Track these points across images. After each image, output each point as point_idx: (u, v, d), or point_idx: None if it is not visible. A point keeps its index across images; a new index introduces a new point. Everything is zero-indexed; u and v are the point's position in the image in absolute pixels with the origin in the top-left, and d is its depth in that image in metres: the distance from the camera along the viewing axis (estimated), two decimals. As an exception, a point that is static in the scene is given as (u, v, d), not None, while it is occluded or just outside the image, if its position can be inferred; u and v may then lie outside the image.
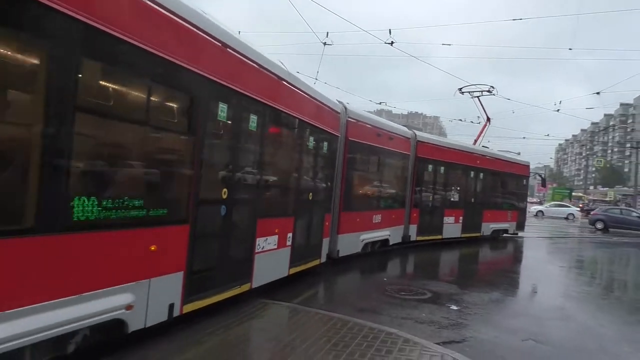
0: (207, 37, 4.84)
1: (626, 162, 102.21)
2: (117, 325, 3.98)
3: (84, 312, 3.59)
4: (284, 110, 6.86)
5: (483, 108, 18.51)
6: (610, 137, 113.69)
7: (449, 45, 16.21)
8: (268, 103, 6.27)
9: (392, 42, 14.02)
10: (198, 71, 4.71)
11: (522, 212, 19.78)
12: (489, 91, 17.55)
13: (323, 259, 8.91)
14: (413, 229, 13.54)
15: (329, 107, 8.82)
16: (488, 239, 17.27)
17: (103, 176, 3.93)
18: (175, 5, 4.31)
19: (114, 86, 4.05)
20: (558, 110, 23.23)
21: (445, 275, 11.41)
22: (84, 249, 3.60)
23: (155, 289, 4.33)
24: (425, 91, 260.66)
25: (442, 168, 14.82)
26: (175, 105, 4.83)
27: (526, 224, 20.76)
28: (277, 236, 6.77)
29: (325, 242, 8.95)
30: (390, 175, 12.51)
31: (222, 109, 5.24)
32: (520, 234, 19.51)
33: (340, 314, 6.02)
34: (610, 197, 52.65)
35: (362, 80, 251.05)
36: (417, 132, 14.03)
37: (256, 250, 6.18)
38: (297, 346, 4.72)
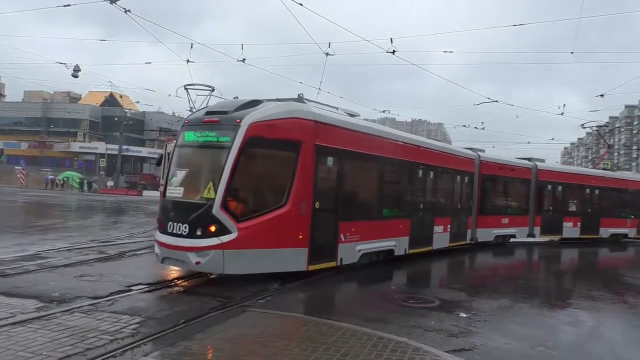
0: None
1: (633, 164, 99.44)
2: (391, 252, 11.80)
3: (384, 245, 11.47)
4: (448, 167, 14.39)
5: (603, 139, 23.06)
6: (616, 139, 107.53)
7: (451, 52, 17.48)
8: (444, 166, 13.99)
9: (393, 51, 14.18)
10: (420, 161, 12.49)
11: None
12: (606, 125, 22.19)
13: (468, 241, 16.00)
14: (537, 230, 19.47)
15: (468, 157, 15.98)
16: (607, 241, 21.83)
17: (389, 202, 11.83)
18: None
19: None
20: (562, 113, 23.65)
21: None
22: (385, 225, 11.50)
23: (401, 241, 12.06)
24: (427, 99, 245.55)
25: (560, 187, 20.36)
26: (411, 176, 12.60)
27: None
28: (442, 226, 14.12)
29: (469, 232, 16.01)
30: (515, 192, 18.83)
31: (424, 172, 12.96)
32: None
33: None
34: None
35: (364, 89, 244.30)
36: (538, 163, 19.92)
37: (434, 232, 13.64)
38: (307, 357, 4.83)
